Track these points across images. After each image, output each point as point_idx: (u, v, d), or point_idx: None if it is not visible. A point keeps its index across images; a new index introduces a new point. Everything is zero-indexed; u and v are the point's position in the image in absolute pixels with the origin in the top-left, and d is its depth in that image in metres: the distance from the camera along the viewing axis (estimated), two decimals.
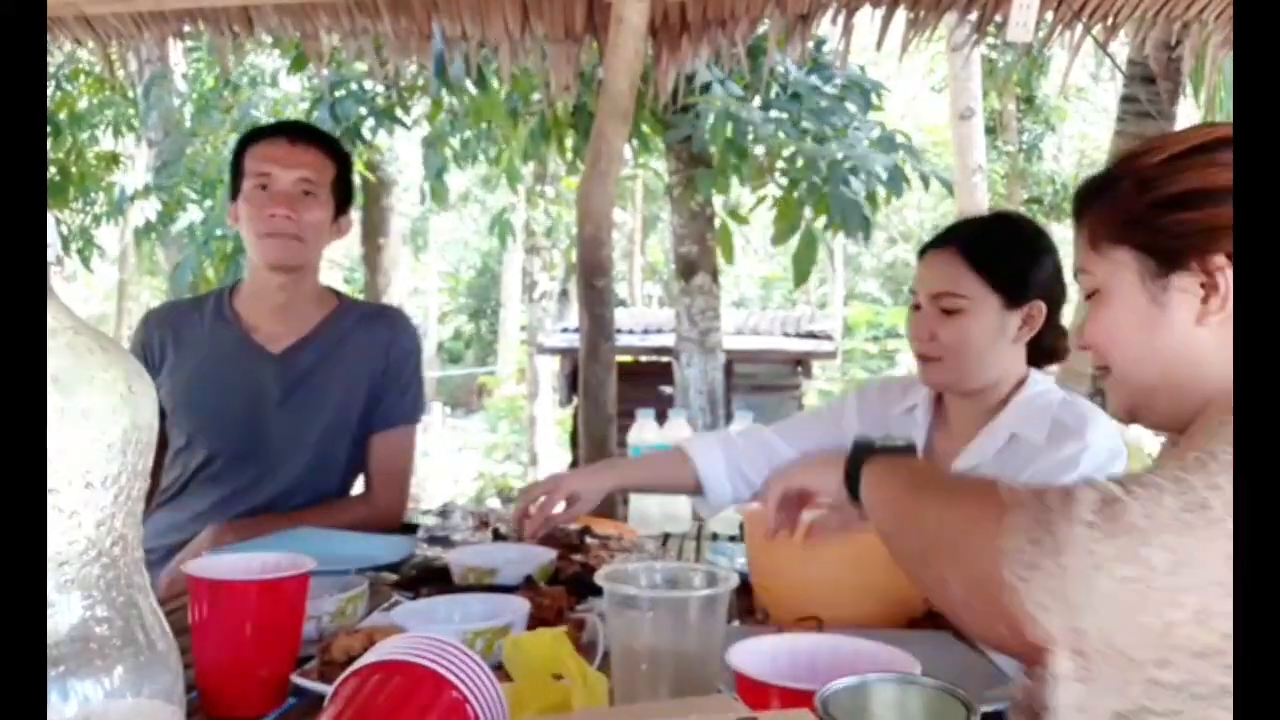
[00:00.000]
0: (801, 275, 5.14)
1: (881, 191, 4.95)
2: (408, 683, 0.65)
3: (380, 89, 5.68)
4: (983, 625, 0.76)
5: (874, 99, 5.50)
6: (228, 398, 1.77)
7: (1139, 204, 0.89)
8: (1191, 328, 0.86)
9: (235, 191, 1.81)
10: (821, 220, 4.88)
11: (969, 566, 0.76)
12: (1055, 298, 1.53)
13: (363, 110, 5.69)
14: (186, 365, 1.80)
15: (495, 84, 4.84)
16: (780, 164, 5.10)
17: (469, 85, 4.96)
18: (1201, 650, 0.68)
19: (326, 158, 1.80)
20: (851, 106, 5.45)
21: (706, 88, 4.84)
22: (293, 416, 1.78)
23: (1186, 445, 0.77)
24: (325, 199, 1.79)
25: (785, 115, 5.25)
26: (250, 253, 1.81)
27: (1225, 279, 0.83)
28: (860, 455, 1.05)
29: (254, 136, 1.83)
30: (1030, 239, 1.58)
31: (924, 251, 1.58)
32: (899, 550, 0.93)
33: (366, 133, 5.89)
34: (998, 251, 1.52)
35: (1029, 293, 1.50)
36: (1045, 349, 1.56)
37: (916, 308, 1.55)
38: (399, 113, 5.86)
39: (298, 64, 5.51)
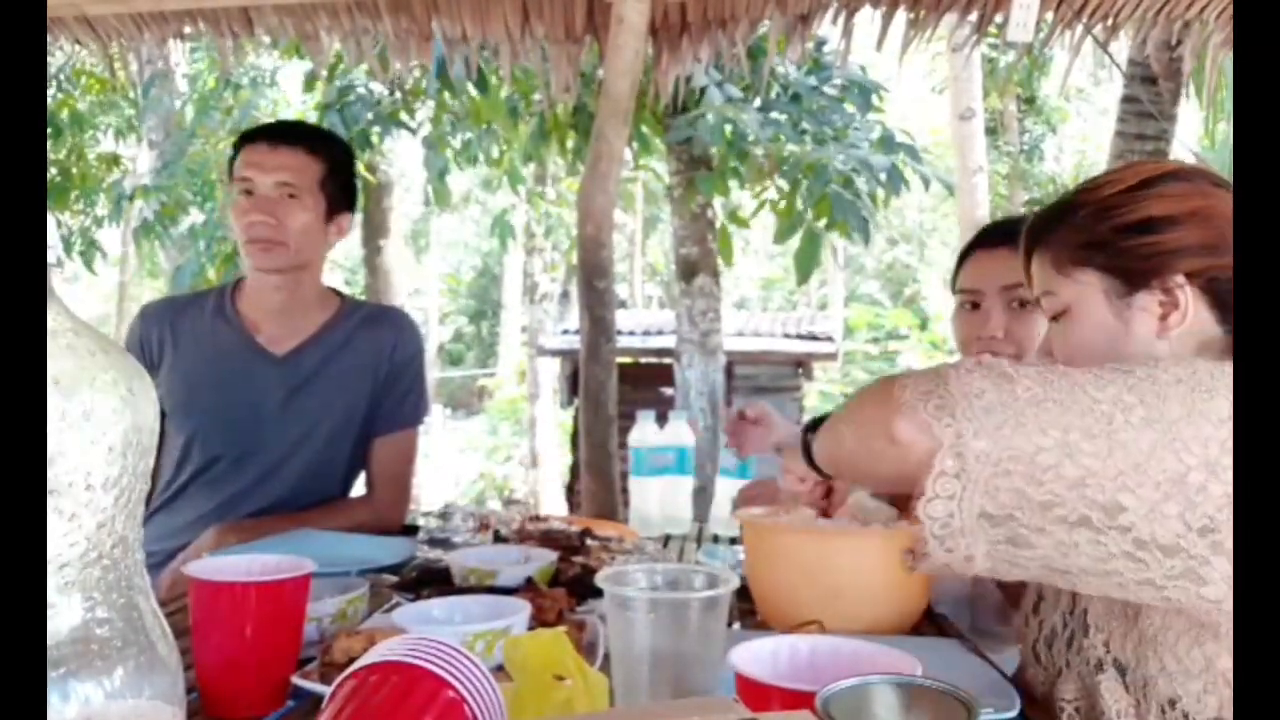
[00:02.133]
0: (804, 274, 5.14)
1: (881, 192, 4.96)
2: (405, 683, 0.65)
3: (385, 93, 5.69)
4: (878, 442, 0.90)
5: (874, 100, 5.50)
6: (229, 400, 1.75)
7: (1101, 229, 1.00)
8: (1153, 340, 0.97)
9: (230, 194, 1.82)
10: (822, 222, 4.88)
11: (873, 412, 0.92)
12: None
13: (369, 115, 5.71)
14: (186, 363, 1.78)
15: (496, 84, 4.84)
16: (781, 166, 5.10)
17: (470, 87, 4.96)
18: (1069, 481, 0.80)
19: (311, 157, 1.77)
20: (851, 107, 5.45)
21: (703, 92, 4.85)
22: (295, 420, 1.77)
23: None
24: (311, 201, 1.76)
25: (785, 117, 5.26)
26: (242, 255, 1.81)
27: (1185, 296, 0.95)
28: (807, 433, 1.17)
29: (242, 142, 1.81)
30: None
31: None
32: (833, 452, 1.08)
33: (374, 138, 5.90)
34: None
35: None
36: None
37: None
38: (404, 116, 5.86)
39: (309, 84, 5.55)
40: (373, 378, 1.83)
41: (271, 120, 8.24)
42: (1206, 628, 0.85)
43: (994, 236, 1.60)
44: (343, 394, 1.81)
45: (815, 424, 1.15)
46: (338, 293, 1.92)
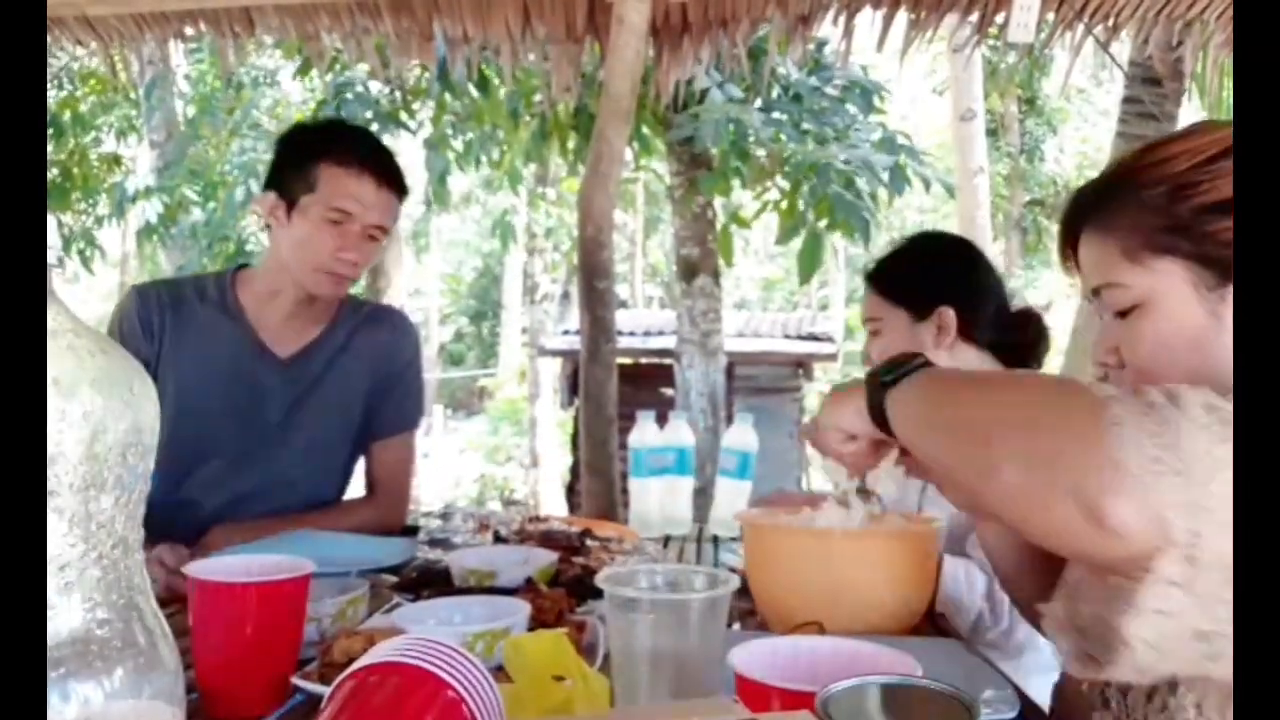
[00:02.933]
0: (806, 275, 5.15)
1: (883, 193, 4.96)
2: (404, 683, 0.65)
3: (384, 91, 5.69)
4: (1079, 515, 0.67)
5: (875, 101, 5.50)
6: (233, 402, 1.72)
7: (1181, 211, 0.84)
8: None
9: (283, 186, 1.68)
10: (823, 222, 4.89)
11: (1062, 448, 0.69)
12: (968, 300, 1.60)
13: (368, 114, 5.71)
14: (188, 357, 1.72)
15: (496, 85, 4.84)
16: (783, 166, 5.11)
17: (471, 89, 4.97)
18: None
19: (398, 199, 1.74)
20: (852, 108, 5.45)
21: (705, 93, 4.85)
22: (298, 423, 1.75)
23: None
24: (383, 239, 1.73)
25: (786, 117, 5.26)
26: (287, 266, 1.70)
27: None
28: (885, 376, 0.96)
29: (335, 149, 1.67)
30: (931, 253, 1.70)
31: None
32: (939, 447, 0.86)
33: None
34: (895, 273, 1.66)
35: (931, 302, 1.59)
36: (1021, 346, 1.61)
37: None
38: (403, 116, 5.87)
39: (305, 69, 5.54)
40: (371, 380, 1.81)
41: (277, 122, 8.22)
42: None
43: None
44: (343, 396, 1.79)
45: (890, 372, 0.96)
46: None
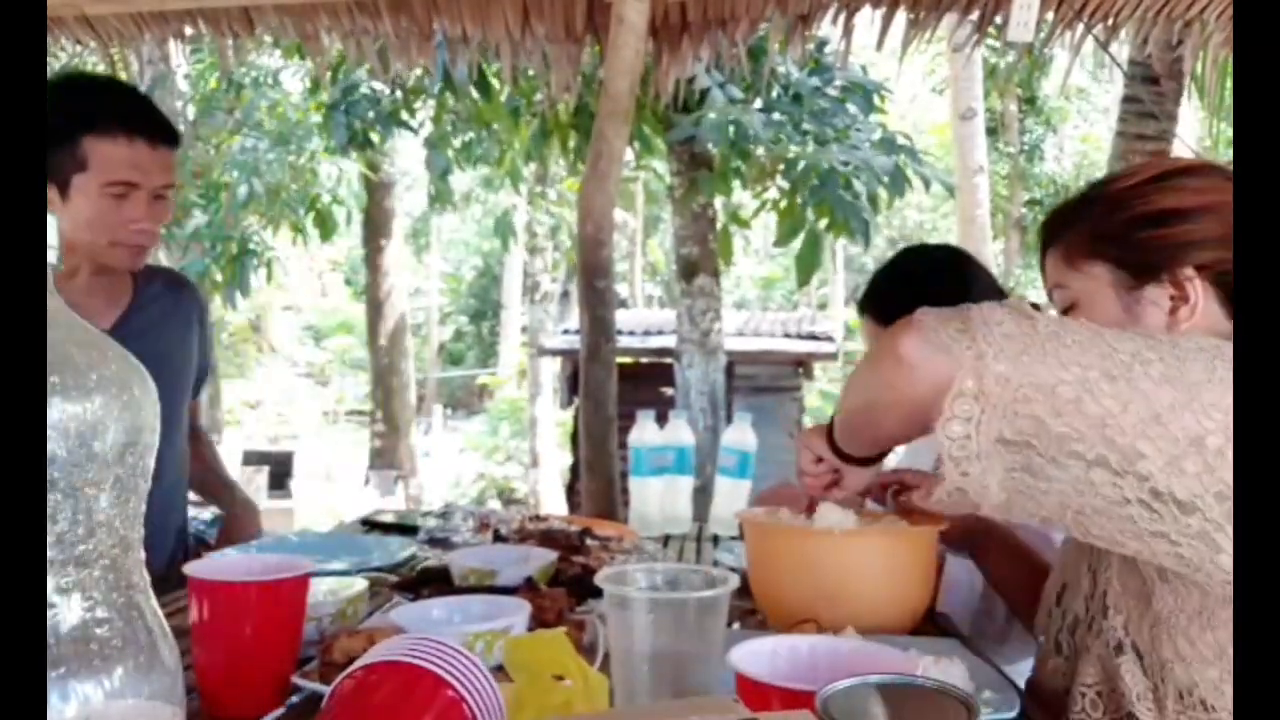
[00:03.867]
0: (805, 276, 5.16)
1: (883, 194, 4.96)
2: (404, 683, 0.65)
3: (386, 92, 5.70)
4: (885, 361, 0.90)
5: (875, 100, 5.50)
6: None
7: (1114, 222, 1.00)
8: (1162, 333, 0.95)
9: (50, 168, 1.55)
10: (823, 223, 4.89)
11: (886, 340, 0.90)
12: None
13: (370, 115, 5.73)
14: None
15: (497, 86, 4.84)
16: (781, 166, 5.11)
17: (472, 90, 4.97)
18: (1091, 418, 0.79)
19: (174, 150, 1.65)
20: (852, 108, 5.45)
21: (705, 93, 4.86)
22: None
23: None
24: (172, 195, 1.67)
25: (786, 117, 5.26)
26: (80, 247, 1.60)
27: (1195, 289, 0.95)
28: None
29: (96, 121, 1.55)
30: (923, 271, 1.67)
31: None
32: (848, 416, 1.06)
33: (375, 137, 5.91)
34: (890, 298, 1.62)
35: None
36: None
37: None
38: (405, 116, 5.87)
39: (314, 89, 5.56)
40: (192, 340, 1.83)
41: (271, 118, 8.19)
42: (1219, 609, 0.84)
43: (859, 307, 1.72)
44: (173, 357, 1.78)
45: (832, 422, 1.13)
46: None
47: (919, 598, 1.20)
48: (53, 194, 1.57)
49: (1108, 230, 1.00)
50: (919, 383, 0.86)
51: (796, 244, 5.04)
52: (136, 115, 1.61)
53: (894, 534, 1.19)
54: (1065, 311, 1.04)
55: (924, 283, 1.64)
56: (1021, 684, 1.06)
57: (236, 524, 1.85)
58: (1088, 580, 1.00)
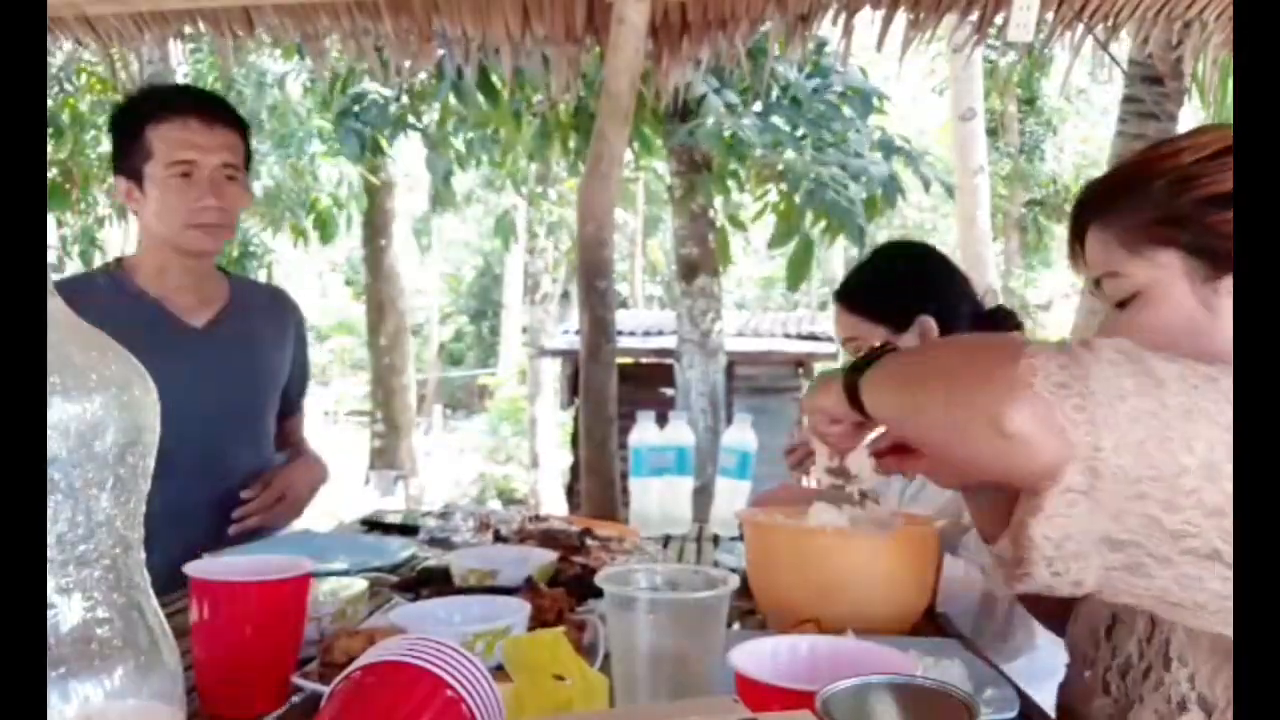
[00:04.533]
0: (796, 280, 5.17)
1: (880, 198, 4.97)
2: (403, 683, 0.65)
3: (392, 95, 5.71)
4: (988, 429, 0.74)
5: (874, 104, 5.50)
6: (156, 377, 1.70)
7: (1181, 203, 0.86)
8: None
9: (125, 166, 1.68)
10: (818, 228, 4.90)
11: (982, 383, 0.75)
12: (944, 304, 1.59)
13: (381, 121, 5.75)
14: None
15: (500, 88, 4.85)
16: (779, 170, 5.12)
17: (479, 97, 4.97)
18: (1209, 509, 0.69)
19: (238, 135, 1.72)
20: (850, 112, 5.45)
21: (703, 99, 4.86)
22: (228, 389, 1.74)
23: None
24: (244, 178, 1.72)
25: (783, 122, 5.27)
26: (160, 237, 1.70)
27: None
28: (854, 366, 1.01)
29: (156, 110, 1.67)
30: (899, 265, 1.71)
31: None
32: (897, 410, 0.92)
33: (383, 142, 5.92)
34: (868, 290, 1.66)
35: (910, 312, 1.56)
36: None
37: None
38: (411, 119, 5.88)
39: (326, 105, 5.59)
40: (286, 352, 1.87)
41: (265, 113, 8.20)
42: None
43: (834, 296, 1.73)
44: (266, 363, 1.83)
45: (863, 364, 1.00)
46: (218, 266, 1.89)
47: (918, 598, 1.20)
48: (134, 191, 1.68)
49: (1176, 212, 0.86)
50: (1021, 463, 0.73)
51: (792, 246, 5.05)
52: (190, 97, 1.73)
53: (893, 535, 1.19)
54: (1121, 305, 0.91)
55: (903, 274, 1.67)
56: (1021, 684, 1.05)
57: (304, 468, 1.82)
58: (1144, 622, 0.90)
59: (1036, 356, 0.73)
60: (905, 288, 1.63)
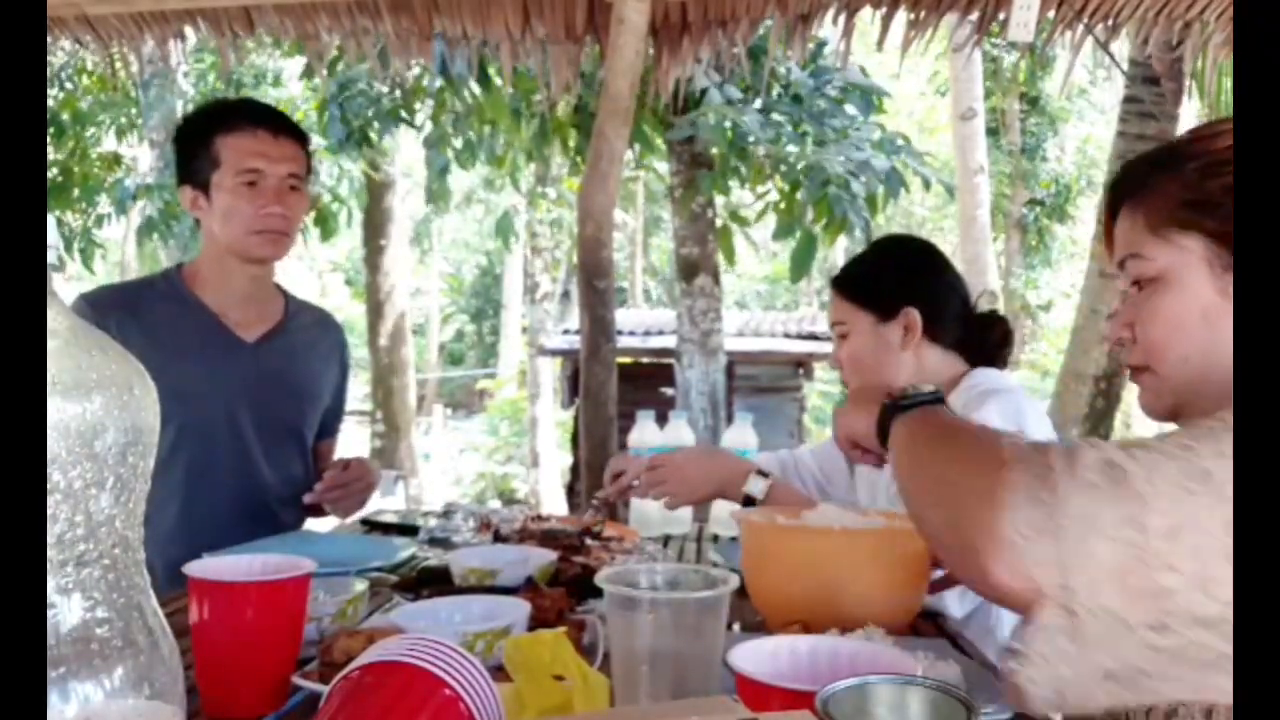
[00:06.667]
0: (799, 274, 5.17)
1: (880, 193, 4.97)
2: (402, 682, 0.65)
3: (385, 89, 5.70)
4: (972, 572, 0.75)
5: (874, 101, 5.50)
6: (208, 389, 1.73)
7: (1210, 188, 0.85)
8: None
9: (192, 175, 1.74)
10: (820, 223, 4.90)
11: (964, 510, 0.75)
12: (932, 300, 1.62)
13: (369, 112, 5.73)
14: (156, 354, 1.66)
15: (498, 81, 4.84)
16: (782, 168, 5.12)
17: (472, 85, 4.97)
18: (1203, 618, 0.67)
19: (301, 148, 1.79)
20: (852, 109, 5.45)
21: (704, 94, 4.86)
22: (271, 404, 1.80)
23: (1200, 420, 0.74)
24: (305, 188, 1.80)
25: (785, 118, 5.27)
26: (224, 245, 1.75)
27: None
28: (892, 406, 1.02)
29: (224, 121, 1.74)
30: (894, 256, 1.71)
31: None
32: (910, 496, 0.90)
33: (373, 135, 5.91)
34: (861, 276, 1.68)
35: (896, 303, 1.61)
36: (987, 347, 1.64)
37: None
38: (404, 115, 5.87)
39: (309, 73, 5.57)
40: (330, 376, 1.93)
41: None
42: None
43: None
44: (310, 384, 1.88)
45: (905, 399, 1.01)
46: (276, 284, 1.94)
47: (912, 597, 1.20)
48: (200, 199, 1.75)
49: (1204, 197, 0.85)
50: (1003, 601, 0.74)
51: (798, 237, 5.05)
52: (258, 110, 1.79)
53: (886, 533, 1.19)
54: (1139, 285, 0.90)
55: (896, 266, 1.68)
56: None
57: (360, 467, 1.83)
58: None
59: (1017, 490, 0.71)
60: (895, 279, 1.65)
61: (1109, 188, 0.97)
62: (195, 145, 1.74)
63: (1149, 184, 0.90)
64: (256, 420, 1.77)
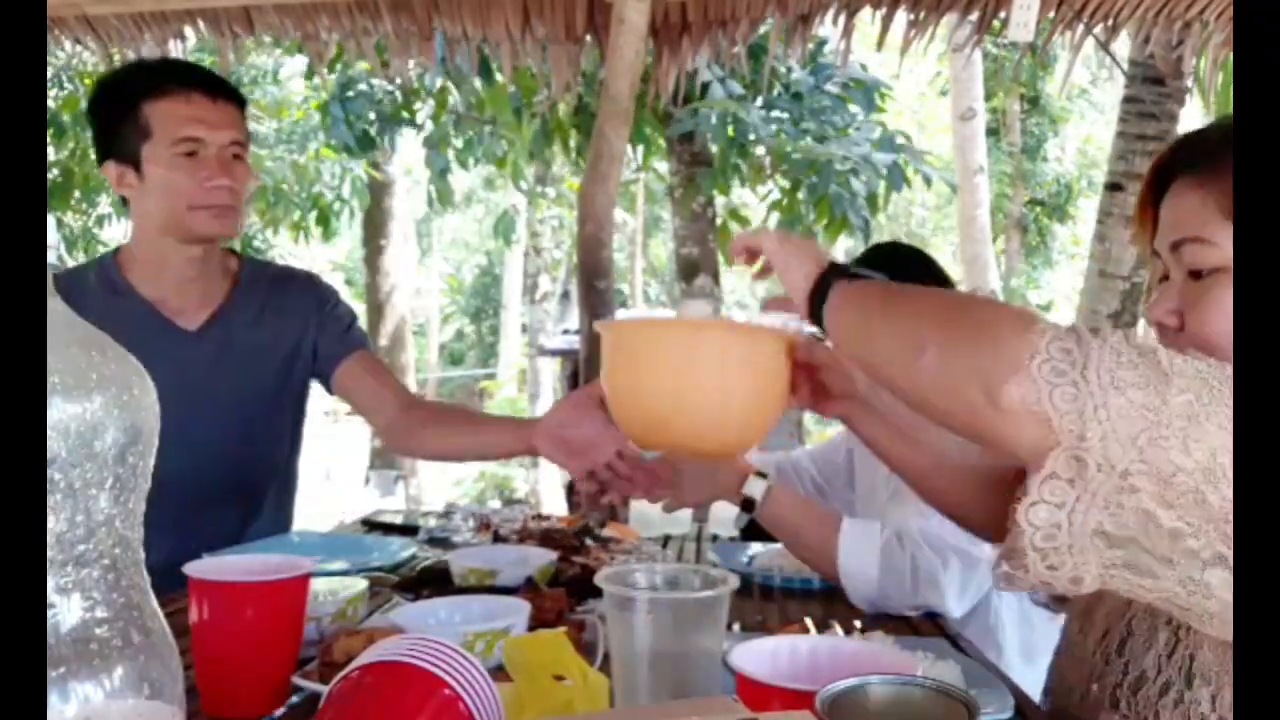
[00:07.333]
0: None
1: (882, 190, 4.97)
2: (401, 682, 0.65)
3: (387, 90, 5.70)
4: (976, 394, 0.72)
5: (876, 99, 5.50)
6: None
7: None
8: None
9: (117, 149, 1.55)
10: (821, 223, 4.90)
11: (981, 341, 0.73)
12: None
13: (371, 114, 5.73)
14: None
15: (500, 77, 4.85)
16: (784, 167, 5.12)
17: (475, 82, 4.97)
18: (1210, 513, 0.67)
19: (240, 113, 1.60)
20: (853, 106, 5.46)
21: (706, 88, 4.86)
22: (222, 392, 1.62)
23: None
24: (247, 158, 1.60)
25: (786, 115, 5.27)
26: (161, 224, 1.57)
27: None
28: (830, 276, 0.93)
29: (152, 86, 1.53)
30: (890, 264, 1.69)
31: None
32: (874, 330, 0.86)
33: (374, 135, 5.91)
34: None
35: None
36: None
37: None
38: (406, 115, 5.87)
39: (310, 74, 5.57)
40: (302, 332, 1.70)
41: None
42: None
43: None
44: (268, 358, 1.68)
45: (831, 274, 0.93)
46: (232, 250, 1.74)
47: (757, 416, 1.05)
48: (128, 175, 1.55)
49: None
50: (1003, 436, 0.72)
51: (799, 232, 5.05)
52: (190, 71, 1.58)
53: (743, 327, 1.07)
54: (1198, 275, 0.84)
55: (893, 273, 1.66)
56: (1014, 673, 1.05)
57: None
58: (1166, 635, 0.85)
59: (1043, 335, 0.70)
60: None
61: (1160, 161, 0.88)
62: (118, 114, 1.54)
63: (1219, 161, 0.82)
64: (213, 410, 1.59)
